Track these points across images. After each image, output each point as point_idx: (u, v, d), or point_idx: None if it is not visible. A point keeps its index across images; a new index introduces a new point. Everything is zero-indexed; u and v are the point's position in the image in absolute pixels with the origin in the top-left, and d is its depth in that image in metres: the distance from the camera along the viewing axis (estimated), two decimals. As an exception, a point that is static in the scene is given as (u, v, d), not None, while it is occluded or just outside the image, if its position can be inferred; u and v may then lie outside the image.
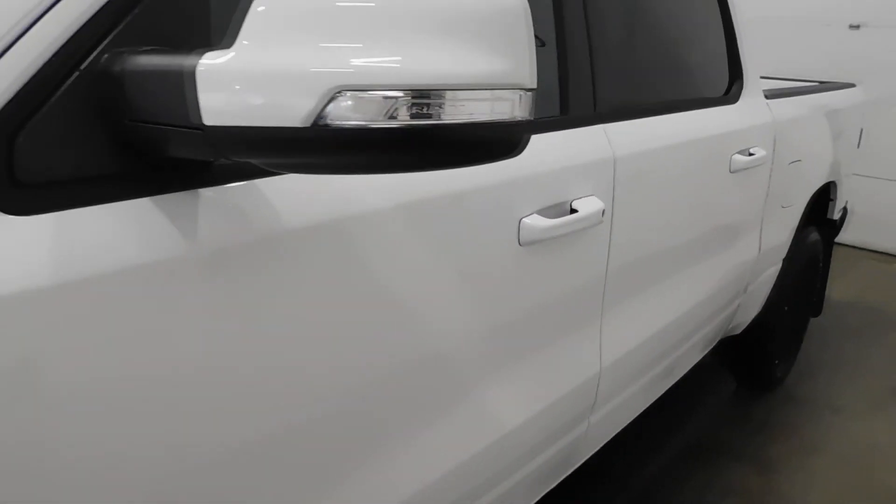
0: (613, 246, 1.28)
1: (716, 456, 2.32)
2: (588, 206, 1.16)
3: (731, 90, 1.90)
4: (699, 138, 1.56)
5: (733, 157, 1.75)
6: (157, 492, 0.67)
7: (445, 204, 0.92)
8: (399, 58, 0.53)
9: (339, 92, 0.53)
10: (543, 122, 1.14)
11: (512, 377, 1.11)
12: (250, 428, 0.74)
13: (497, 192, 1.00)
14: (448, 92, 0.54)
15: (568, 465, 1.39)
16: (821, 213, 2.86)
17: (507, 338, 1.09)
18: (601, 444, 1.53)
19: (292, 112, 0.53)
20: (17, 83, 0.57)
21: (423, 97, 0.54)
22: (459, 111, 0.55)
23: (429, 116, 0.54)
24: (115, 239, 0.61)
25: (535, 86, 0.57)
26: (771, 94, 2.16)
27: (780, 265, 2.44)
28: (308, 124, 0.53)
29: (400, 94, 0.53)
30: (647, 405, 1.71)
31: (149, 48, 0.63)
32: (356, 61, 0.52)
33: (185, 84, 0.56)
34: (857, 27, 4.71)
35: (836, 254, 3.29)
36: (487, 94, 0.55)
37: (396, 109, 0.54)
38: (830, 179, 2.72)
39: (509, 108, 0.56)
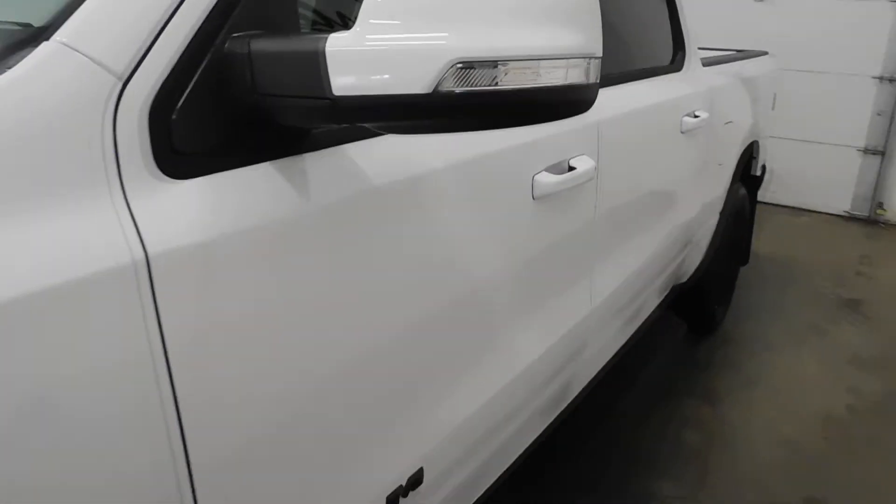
0: (599, 199, 1.45)
1: (672, 393, 2.58)
2: (583, 163, 1.31)
3: (675, 60, 2.10)
4: (659, 102, 1.75)
5: (683, 119, 1.95)
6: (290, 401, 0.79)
7: (479, 164, 1.05)
8: (500, 35, 0.65)
9: (455, 64, 0.65)
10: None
11: (530, 317, 1.26)
12: (351, 353, 0.86)
13: (515, 153, 1.14)
14: (542, 61, 0.67)
15: (565, 398, 1.57)
16: (746, 171, 3.15)
17: (526, 282, 1.24)
18: (587, 381, 1.71)
19: (415, 82, 0.64)
20: (166, 71, 0.66)
21: (520, 67, 0.66)
22: (547, 77, 0.68)
23: (521, 82, 0.67)
24: (251, 197, 0.71)
25: (601, 55, 0.71)
26: (703, 63, 2.38)
27: (717, 218, 2.70)
28: (430, 90, 0.65)
29: (502, 64, 0.66)
30: (620, 346, 1.91)
31: (263, 32, 0.73)
32: (467, 39, 0.65)
33: (316, 62, 0.66)
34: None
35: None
36: (566, 62, 0.69)
37: (498, 77, 0.66)
38: (754, 139, 3.01)
39: (584, 73, 0.70)
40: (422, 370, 1.00)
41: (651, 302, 2.15)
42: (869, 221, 4.99)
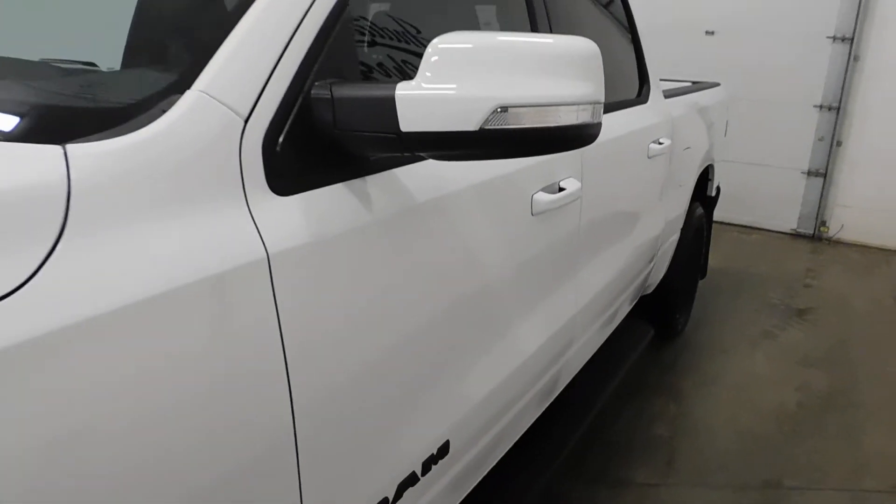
0: (583, 215, 1.67)
1: (642, 392, 2.81)
2: (571, 185, 1.54)
3: (641, 93, 2.36)
4: (630, 131, 2.00)
5: (650, 145, 2.20)
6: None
7: (491, 185, 1.26)
8: (529, 85, 0.87)
9: (497, 107, 0.86)
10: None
11: (530, 315, 1.47)
12: (400, 334, 1.05)
13: (518, 176, 1.35)
14: (560, 107, 0.88)
15: (554, 391, 1.77)
16: (702, 192, 3.43)
17: (527, 284, 1.45)
18: (571, 377, 1.92)
19: (467, 121, 0.85)
20: (271, 113, 0.86)
21: (544, 110, 0.88)
22: (564, 118, 0.89)
23: (545, 121, 0.88)
24: (333, 209, 0.91)
25: (603, 101, 0.93)
26: (665, 95, 2.65)
27: (678, 234, 2.97)
28: (477, 128, 0.86)
29: (531, 108, 0.87)
30: (599, 346, 2.13)
31: (340, 80, 0.93)
32: (506, 89, 0.85)
33: (390, 104, 0.86)
34: (712, 33, 5.47)
35: (713, 225, 3.90)
36: (578, 107, 0.90)
37: (527, 118, 0.87)
38: (709, 162, 3.30)
39: (591, 115, 0.91)
40: (450, 354, 1.20)
41: (624, 308, 2.39)
42: (814, 238, 5.37)
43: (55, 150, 0.68)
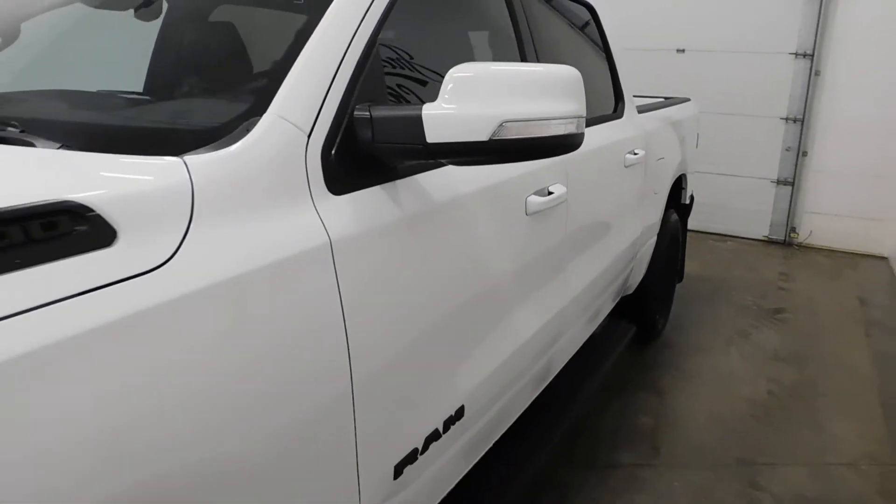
0: (569, 217, 1.90)
1: (627, 387, 3.03)
2: (558, 189, 1.77)
3: (617, 109, 2.61)
4: (608, 143, 2.24)
5: (626, 156, 2.44)
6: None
7: (493, 188, 1.48)
8: (526, 104, 1.09)
9: (502, 122, 1.08)
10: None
11: (527, 303, 1.69)
12: (430, 315, 1.26)
13: (515, 181, 1.58)
14: (551, 120, 1.11)
15: (546, 377, 1.99)
16: (676, 200, 3.69)
17: (524, 276, 1.67)
18: (562, 366, 2.13)
19: (480, 134, 1.07)
20: (326, 129, 1.08)
21: (539, 124, 1.10)
22: (554, 129, 1.12)
23: (540, 132, 1.11)
24: (373, 206, 1.13)
25: (585, 115, 1.16)
26: (639, 110, 2.91)
27: (655, 239, 3.21)
28: (487, 139, 1.08)
29: (529, 122, 1.10)
30: (585, 339, 2.35)
31: (374, 103, 1.15)
32: (509, 107, 1.08)
33: (418, 122, 1.08)
34: (683, 51, 5.79)
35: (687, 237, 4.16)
36: (565, 120, 1.13)
37: (526, 130, 1.10)
38: (682, 172, 3.56)
39: (576, 126, 1.14)
40: (464, 330, 1.41)
41: (607, 306, 2.61)
42: (785, 244, 5.66)
43: (177, 160, 0.89)
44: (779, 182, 5.64)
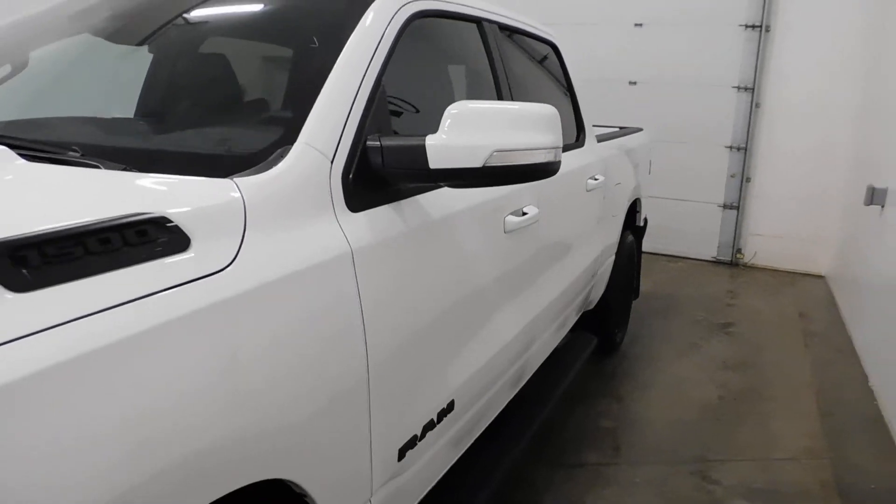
0: (540, 235, 2.12)
1: (589, 395, 3.25)
2: (532, 210, 1.98)
3: (578, 138, 2.86)
4: (572, 169, 2.48)
5: (587, 181, 2.69)
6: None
7: (478, 207, 1.69)
8: (513, 136, 1.30)
9: (494, 151, 1.29)
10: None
11: (506, 311, 1.89)
12: (427, 315, 1.45)
13: (495, 202, 1.79)
14: (534, 150, 1.32)
15: (521, 379, 2.18)
16: (632, 222, 3.96)
17: (503, 287, 1.87)
18: (534, 370, 2.33)
19: (475, 161, 1.27)
20: (345, 156, 1.26)
21: (523, 153, 1.31)
22: (536, 158, 1.33)
23: (525, 160, 1.32)
24: (384, 222, 1.31)
25: (562, 145, 1.38)
26: (598, 139, 3.17)
27: (613, 258, 3.46)
28: (481, 165, 1.28)
29: (515, 151, 1.30)
30: (554, 347, 2.56)
31: (380, 134, 1.34)
32: (498, 139, 1.29)
33: (422, 150, 1.28)
34: (635, 83, 6.16)
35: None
36: (545, 150, 1.34)
37: (512, 158, 1.31)
38: (636, 197, 3.83)
39: (554, 155, 1.36)
40: (457, 333, 1.60)
41: (572, 318, 2.83)
42: (731, 264, 6.02)
43: (227, 181, 1.07)
44: (725, 206, 6.00)
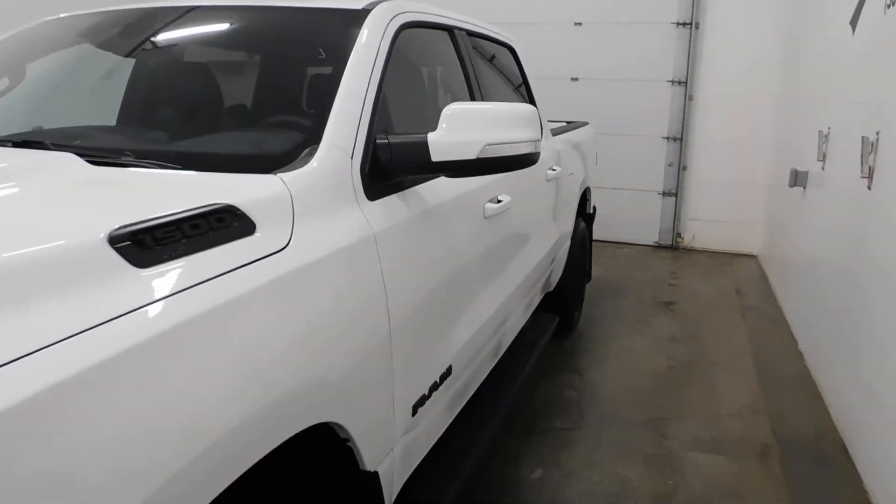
0: (511, 220, 2.36)
1: (553, 370, 3.52)
2: (505, 198, 2.22)
3: (537, 133, 3.11)
4: (536, 161, 2.73)
5: (547, 171, 2.95)
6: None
7: (464, 196, 1.91)
8: (501, 132, 1.53)
9: (485, 145, 1.51)
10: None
11: (488, 287, 2.12)
12: (428, 287, 1.66)
13: (477, 191, 2.01)
14: (518, 143, 1.55)
15: (498, 352, 2.42)
16: (583, 210, 4.25)
17: (485, 265, 2.10)
18: (509, 344, 2.58)
19: (470, 153, 1.50)
20: (361, 152, 1.47)
21: (510, 146, 1.54)
22: (521, 150, 1.56)
23: (511, 152, 1.55)
24: (393, 209, 1.52)
25: (541, 139, 1.61)
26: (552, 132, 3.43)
27: (569, 244, 3.74)
28: (475, 157, 1.51)
29: (503, 145, 1.53)
30: (522, 325, 2.81)
31: (388, 133, 1.55)
32: (489, 134, 1.51)
33: (425, 146, 1.49)
34: (577, 79, 6.49)
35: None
36: (528, 143, 1.58)
37: (501, 151, 1.54)
38: (587, 186, 4.13)
39: (535, 147, 1.59)
40: (449, 306, 1.82)
41: (536, 298, 3.09)
42: (672, 248, 6.43)
43: (273, 176, 1.26)
44: (664, 194, 6.40)
